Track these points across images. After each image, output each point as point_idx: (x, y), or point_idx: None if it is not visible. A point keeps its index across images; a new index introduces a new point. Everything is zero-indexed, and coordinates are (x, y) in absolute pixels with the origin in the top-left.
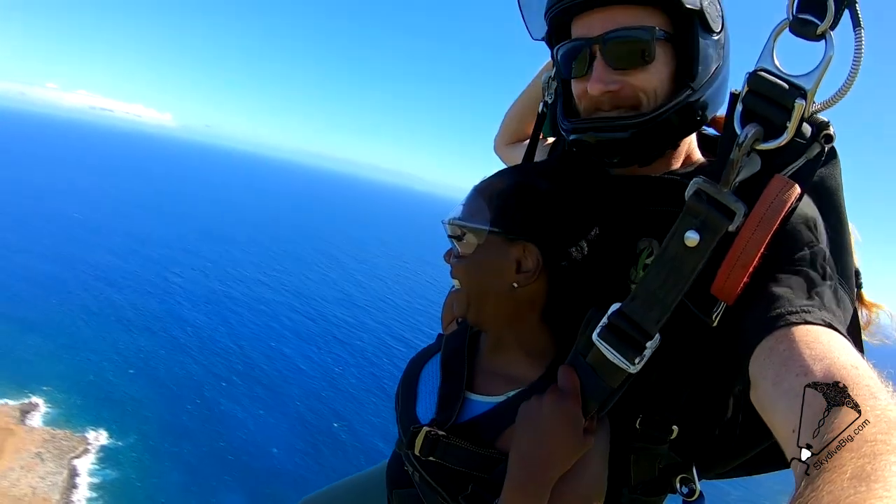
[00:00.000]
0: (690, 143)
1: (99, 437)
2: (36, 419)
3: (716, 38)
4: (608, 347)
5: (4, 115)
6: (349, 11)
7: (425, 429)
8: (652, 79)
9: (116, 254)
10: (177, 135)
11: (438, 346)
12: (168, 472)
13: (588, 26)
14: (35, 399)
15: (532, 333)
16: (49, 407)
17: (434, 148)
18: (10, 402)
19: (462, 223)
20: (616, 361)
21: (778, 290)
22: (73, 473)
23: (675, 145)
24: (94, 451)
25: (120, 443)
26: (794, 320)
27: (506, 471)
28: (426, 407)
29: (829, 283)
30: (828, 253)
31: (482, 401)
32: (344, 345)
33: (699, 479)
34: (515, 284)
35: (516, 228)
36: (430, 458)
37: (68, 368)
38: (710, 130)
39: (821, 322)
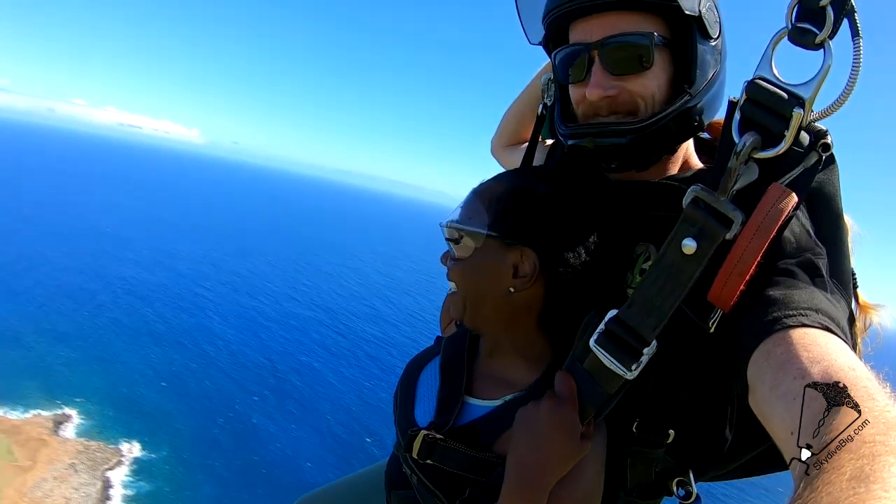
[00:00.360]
0: (688, 148)
1: (132, 450)
2: (69, 430)
3: (713, 44)
4: (605, 354)
5: (33, 131)
6: (373, 30)
7: (423, 432)
8: (650, 84)
9: (146, 268)
10: (204, 151)
11: (437, 349)
12: (201, 485)
13: (587, 31)
14: (68, 410)
15: (528, 338)
16: (82, 418)
17: (458, 163)
18: (44, 413)
19: (460, 226)
20: (613, 368)
21: (774, 294)
22: (107, 485)
23: (673, 150)
24: (127, 463)
25: (153, 455)
26: (791, 323)
27: (503, 475)
28: (425, 410)
29: (825, 287)
30: (825, 258)
31: (480, 405)
32: (374, 360)
33: (695, 482)
34: (512, 289)
35: (514, 233)
36: (428, 462)
37: (100, 380)
38: (707, 136)
39: (818, 325)
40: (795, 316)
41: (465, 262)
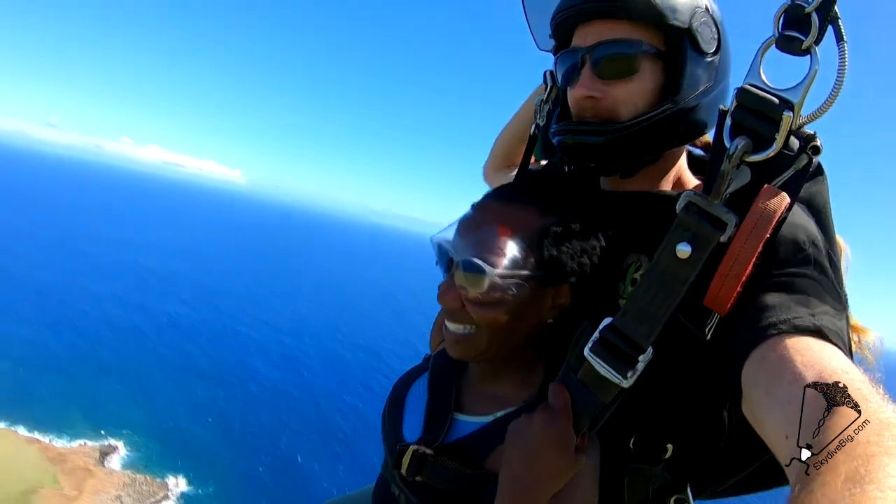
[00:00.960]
0: (680, 167)
1: (178, 484)
2: (115, 461)
3: (708, 59)
4: (600, 362)
5: (81, 167)
6: (421, 79)
7: (412, 447)
8: (634, 91)
9: (189, 303)
10: (246, 192)
11: (425, 367)
12: None
13: (583, 37)
14: (114, 441)
15: (530, 357)
16: (128, 450)
17: None
18: (89, 443)
19: (504, 272)
20: (608, 376)
21: (769, 299)
22: None
23: (655, 158)
24: (173, 497)
25: (199, 491)
26: (785, 329)
27: (495, 492)
28: (413, 427)
29: (821, 291)
30: (821, 261)
31: (471, 421)
32: None
33: (694, 499)
34: (550, 320)
35: (559, 273)
36: (417, 479)
37: (146, 414)
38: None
39: (812, 331)
40: (790, 321)
41: (501, 305)
